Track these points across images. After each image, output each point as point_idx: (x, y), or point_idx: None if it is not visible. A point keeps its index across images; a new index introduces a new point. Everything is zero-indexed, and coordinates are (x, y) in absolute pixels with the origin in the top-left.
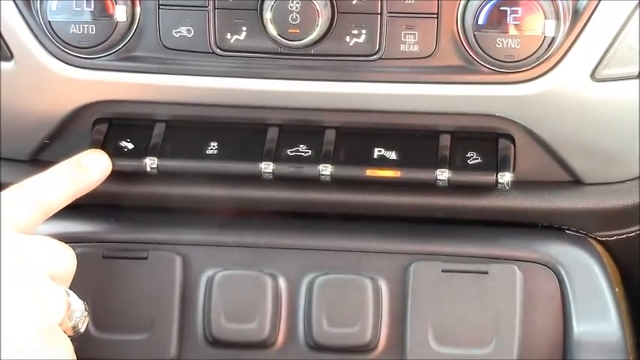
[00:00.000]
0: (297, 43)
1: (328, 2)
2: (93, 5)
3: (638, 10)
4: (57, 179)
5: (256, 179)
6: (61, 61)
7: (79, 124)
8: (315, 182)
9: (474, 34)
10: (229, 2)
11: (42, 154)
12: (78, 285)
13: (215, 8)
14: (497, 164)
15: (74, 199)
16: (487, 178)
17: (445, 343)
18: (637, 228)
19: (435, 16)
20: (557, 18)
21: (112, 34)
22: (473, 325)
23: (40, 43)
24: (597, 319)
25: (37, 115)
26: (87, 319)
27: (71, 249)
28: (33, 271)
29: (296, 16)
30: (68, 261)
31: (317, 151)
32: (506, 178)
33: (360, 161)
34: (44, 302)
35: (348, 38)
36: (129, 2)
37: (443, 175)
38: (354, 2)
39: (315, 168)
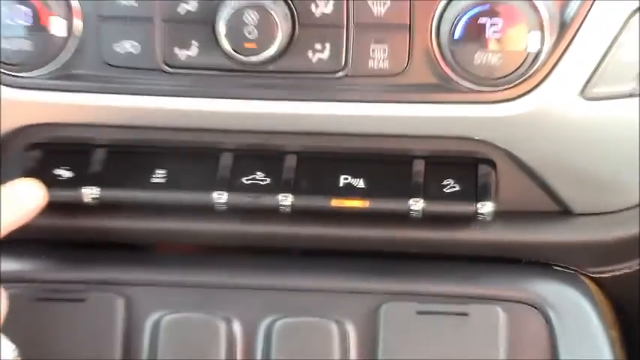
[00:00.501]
0: (253, 59)
1: (289, 14)
2: (27, 18)
3: (632, 19)
4: None
5: (208, 210)
6: None
7: (9, 150)
8: (273, 214)
9: (450, 49)
10: (178, 15)
11: None
12: (8, 330)
13: (163, 21)
14: (477, 193)
15: (4, 234)
16: (466, 208)
17: None
18: (637, 262)
19: (407, 28)
20: (542, 30)
21: (48, 50)
22: None
23: None
24: None
25: None
26: None
27: (3, 289)
28: None
29: (252, 30)
30: None
31: (276, 179)
32: (487, 208)
33: (325, 190)
34: None
35: (310, 54)
36: (68, 15)
37: (417, 205)
38: (317, 14)
39: (274, 198)
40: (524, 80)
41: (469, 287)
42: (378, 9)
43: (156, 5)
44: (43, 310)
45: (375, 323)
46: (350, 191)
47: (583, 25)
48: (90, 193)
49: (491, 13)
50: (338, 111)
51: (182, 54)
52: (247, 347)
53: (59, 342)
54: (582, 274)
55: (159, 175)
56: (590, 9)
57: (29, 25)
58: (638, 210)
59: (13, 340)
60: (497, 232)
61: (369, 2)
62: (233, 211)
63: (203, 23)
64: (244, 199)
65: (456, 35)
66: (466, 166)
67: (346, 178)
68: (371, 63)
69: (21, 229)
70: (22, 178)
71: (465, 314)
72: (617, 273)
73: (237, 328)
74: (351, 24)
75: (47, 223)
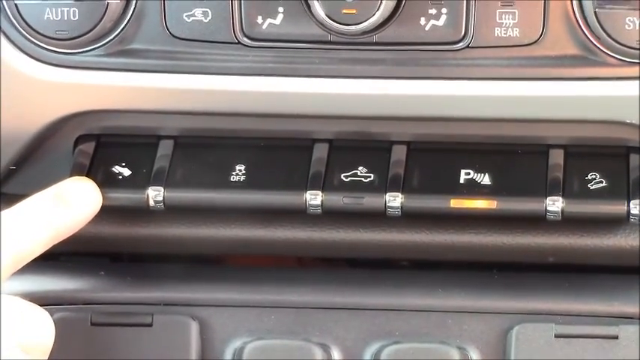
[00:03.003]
0: (353, 28)
1: None
2: None
3: None
4: (29, 219)
5: (299, 215)
6: (31, 57)
7: (57, 143)
8: (379, 218)
9: (595, 12)
10: None
11: (7, 186)
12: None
13: None
14: (629, 189)
15: (52, 245)
16: (615, 208)
17: None
18: None
19: None
20: None
21: (101, 20)
22: None
23: (4, 34)
24: None
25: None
26: None
27: (47, 314)
28: None
29: None
30: (44, 330)
31: (382, 176)
32: None
33: (442, 188)
34: None
35: (422, 20)
36: None
37: (555, 204)
38: None
39: (380, 198)
40: None
41: (619, 304)
42: None
43: None
44: (100, 336)
45: (505, 349)
46: (473, 189)
47: None
48: (154, 195)
49: None
50: (457, 91)
51: (265, 23)
52: None
53: None
54: None
55: (237, 172)
56: None
57: None
58: None
59: None
60: None
61: None
62: (329, 216)
63: None
64: (343, 201)
65: None
66: (615, 157)
67: (468, 173)
68: (497, 31)
69: (72, 239)
70: (73, 178)
71: (614, 337)
72: None
73: (336, 356)
74: None
75: (103, 232)
